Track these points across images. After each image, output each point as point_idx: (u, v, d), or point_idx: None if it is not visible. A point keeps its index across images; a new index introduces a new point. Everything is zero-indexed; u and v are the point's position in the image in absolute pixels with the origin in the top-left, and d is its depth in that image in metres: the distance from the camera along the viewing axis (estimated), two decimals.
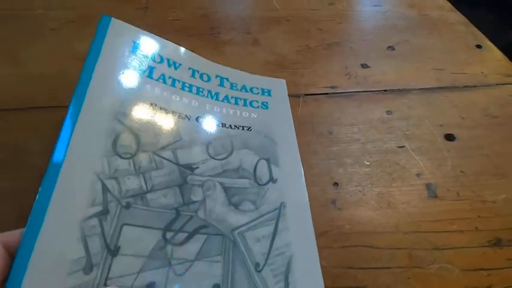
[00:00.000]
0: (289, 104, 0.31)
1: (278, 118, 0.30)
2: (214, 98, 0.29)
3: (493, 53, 0.41)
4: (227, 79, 0.31)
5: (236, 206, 0.23)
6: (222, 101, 0.29)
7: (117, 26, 0.27)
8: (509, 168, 0.28)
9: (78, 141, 0.20)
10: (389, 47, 0.41)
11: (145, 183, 0.22)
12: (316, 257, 0.22)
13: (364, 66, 0.38)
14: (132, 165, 0.22)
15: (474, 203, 0.26)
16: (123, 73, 0.24)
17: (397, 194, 0.26)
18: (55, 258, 0.17)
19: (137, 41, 0.27)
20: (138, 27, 0.29)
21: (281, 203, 0.24)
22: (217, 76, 0.30)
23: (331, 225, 0.24)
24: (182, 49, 0.30)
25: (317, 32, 0.42)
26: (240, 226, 0.22)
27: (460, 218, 0.25)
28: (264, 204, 0.24)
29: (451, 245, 0.23)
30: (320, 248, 0.23)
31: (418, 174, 0.28)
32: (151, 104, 0.24)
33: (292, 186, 0.25)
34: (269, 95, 0.32)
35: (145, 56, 0.27)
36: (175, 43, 0.31)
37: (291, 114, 0.30)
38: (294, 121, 0.30)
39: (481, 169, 0.28)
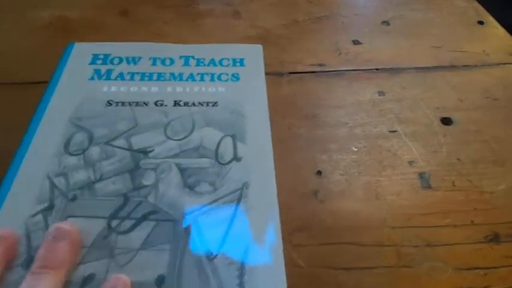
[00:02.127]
0: (263, 73, 0.29)
1: (250, 90, 0.27)
2: (178, 79, 0.28)
3: (496, 29, 0.37)
4: (192, 57, 0.30)
5: (192, 187, 0.21)
6: (186, 80, 0.28)
7: (79, 48, 0.30)
8: (509, 156, 0.26)
9: (36, 147, 0.23)
10: (383, 21, 0.37)
11: (94, 174, 0.22)
12: (280, 248, 0.19)
13: (356, 42, 0.34)
14: (82, 160, 0.22)
15: (470, 193, 0.23)
16: (81, 83, 0.27)
17: (387, 184, 0.24)
18: None
19: (96, 54, 0.29)
20: None
21: (243, 183, 0.21)
22: (181, 57, 0.29)
23: (312, 219, 0.22)
24: (142, 44, 0.30)
25: (306, 4, 0.38)
26: (194, 210, 0.20)
27: (454, 211, 0.22)
28: (224, 185, 0.21)
29: (444, 241, 0.21)
30: (297, 246, 0.20)
31: (410, 162, 0.25)
32: (107, 102, 0.26)
33: (258, 164, 0.23)
34: (241, 64, 0.29)
35: (104, 63, 0.29)
36: (147, 15, 0.33)
37: (265, 84, 0.28)
38: (275, 102, 0.27)
39: (479, 156, 0.26)
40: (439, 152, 0.26)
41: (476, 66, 0.33)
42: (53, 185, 0.21)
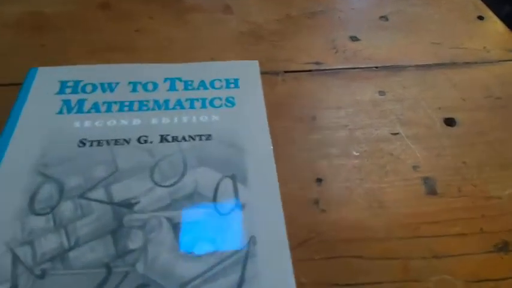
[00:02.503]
0: (262, 95, 0.25)
1: (248, 116, 0.24)
2: (163, 107, 0.24)
3: (495, 25, 0.36)
4: (179, 79, 0.26)
5: (188, 249, 0.18)
6: (174, 108, 0.24)
7: (43, 74, 0.25)
8: None
9: None
10: (382, 17, 0.35)
11: (68, 239, 0.18)
12: (289, 264, 0.17)
13: (354, 39, 0.33)
14: (51, 221, 0.18)
15: (478, 199, 0.22)
16: (47, 120, 0.23)
17: (390, 190, 0.22)
18: None
19: (65, 80, 0.25)
20: None
21: (250, 238, 0.18)
22: (166, 79, 0.25)
23: (313, 232, 0.20)
24: (118, 66, 0.26)
25: None
26: (193, 279, 0.17)
27: (462, 218, 0.21)
28: (227, 243, 0.18)
29: (453, 252, 0.20)
30: (298, 261, 0.18)
31: (414, 167, 0.24)
32: (80, 142, 0.22)
33: (265, 212, 0.19)
34: (236, 86, 0.26)
35: (74, 91, 0.24)
36: (129, 9, 0.28)
37: (264, 107, 0.24)
38: (271, 103, 0.25)
39: (484, 159, 0.24)
40: (443, 155, 0.24)
41: (476, 63, 0.32)
42: (15, 258, 0.17)
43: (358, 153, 0.24)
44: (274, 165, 0.21)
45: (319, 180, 0.22)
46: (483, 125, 0.27)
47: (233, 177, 0.20)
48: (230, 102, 0.24)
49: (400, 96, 0.28)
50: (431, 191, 0.22)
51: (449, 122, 0.27)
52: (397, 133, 0.25)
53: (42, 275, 0.17)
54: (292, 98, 0.27)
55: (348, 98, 0.27)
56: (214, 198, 0.20)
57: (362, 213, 0.21)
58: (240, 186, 0.20)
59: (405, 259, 0.19)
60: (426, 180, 0.23)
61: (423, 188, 0.23)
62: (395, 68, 0.30)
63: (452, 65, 0.31)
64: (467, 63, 0.32)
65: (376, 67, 0.30)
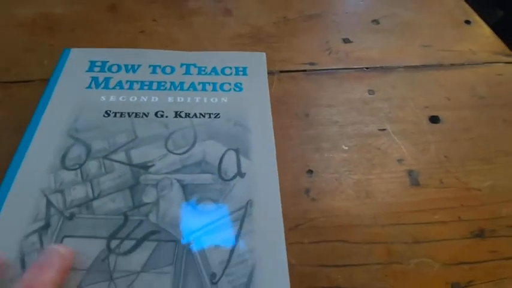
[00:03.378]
0: (267, 83, 0.28)
1: (253, 101, 0.26)
2: (179, 88, 0.27)
3: (482, 29, 0.38)
4: (194, 65, 0.28)
5: (194, 205, 0.21)
6: (188, 89, 0.27)
7: (76, 54, 0.28)
8: (496, 153, 0.26)
9: (30, 161, 0.22)
10: (374, 20, 0.37)
11: (92, 190, 0.21)
12: (285, 266, 0.19)
13: (346, 41, 0.34)
14: (79, 175, 0.21)
15: (458, 191, 0.24)
16: (77, 93, 0.26)
17: (377, 182, 0.24)
18: None
19: (94, 60, 0.28)
20: None
21: (248, 201, 0.21)
22: (182, 65, 0.28)
23: (304, 218, 0.22)
24: (141, 51, 0.29)
25: (296, 1, 0.38)
26: (197, 229, 0.20)
27: (442, 208, 0.23)
28: (228, 203, 0.21)
29: (432, 238, 0.22)
30: (289, 244, 0.20)
31: (399, 160, 0.25)
32: (105, 112, 0.25)
33: (262, 180, 0.22)
34: (244, 73, 0.28)
35: (102, 70, 0.27)
36: (135, 11, 0.32)
37: (268, 94, 0.27)
38: (270, 107, 0.27)
39: (466, 154, 0.26)
40: (428, 150, 0.26)
41: (463, 64, 0.33)
42: (49, 203, 0.20)
43: (347, 148, 0.26)
44: (274, 143, 0.24)
45: (310, 171, 0.24)
46: (466, 123, 0.28)
47: (237, 151, 0.23)
48: (238, 87, 0.27)
49: (389, 95, 0.30)
50: (415, 183, 0.24)
51: (434, 119, 0.28)
52: (385, 129, 0.27)
53: (71, 217, 0.20)
54: (288, 96, 0.29)
55: (340, 96, 0.29)
56: (219, 167, 0.22)
57: (350, 202, 0.23)
58: (242, 158, 0.23)
59: (388, 243, 0.21)
60: (410, 172, 0.25)
61: (407, 179, 0.24)
62: (385, 69, 0.32)
63: (440, 66, 0.33)
64: (454, 65, 0.33)
65: (367, 68, 0.32)
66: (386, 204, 0.23)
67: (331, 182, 0.24)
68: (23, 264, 0.18)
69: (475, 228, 0.22)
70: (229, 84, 0.27)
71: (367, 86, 0.30)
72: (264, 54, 0.30)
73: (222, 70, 0.28)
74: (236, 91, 0.27)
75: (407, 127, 0.27)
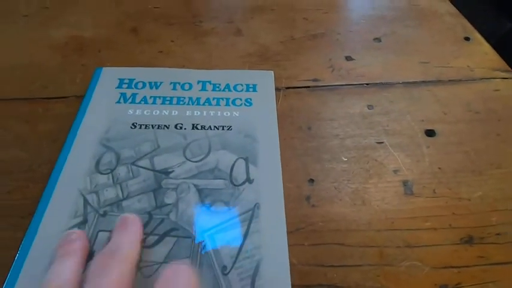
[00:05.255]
0: (274, 99, 0.31)
1: (262, 114, 0.29)
2: (196, 103, 0.30)
3: (481, 46, 0.40)
4: (209, 82, 0.32)
5: (209, 207, 0.23)
6: (203, 104, 0.30)
7: (107, 72, 0.32)
8: (487, 166, 0.28)
9: (69, 166, 0.25)
10: (375, 38, 0.40)
11: (122, 192, 0.24)
12: (287, 262, 0.21)
13: (349, 58, 0.37)
14: (111, 179, 0.25)
15: (450, 200, 0.26)
16: (108, 107, 0.29)
17: (373, 190, 0.26)
18: (42, 266, 0.20)
19: (122, 78, 0.32)
20: (115, 15, 0.37)
21: (255, 204, 0.24)
22: (199, 82, 0.32)
23: (304, 222, 0.24)
24: (163, 69, 0.33)
25: (302, 22, 0.41)
26: (211, 228, 0.22)
27: (434, 216, 0.25)
28: (238, 205, 0.23)
29: (423, 243, 0.23)
30: (291, 246, 0.22)
31: (395, 171, 0.27)
32: (132, 124, 0.28)
33: (268, 186, 0.25)
34: (254, 90, 0.31)
35: (129, 87, 0.31)
36: (154, 33, 0.35)
37: (275, 109, 0.30)
38: (277, 120, 0.30)
39: (459, 166, 0.28)
40: (422, 162, 0.28)
41: (460, 80, 0.35)
42: (86, 202, 0.23)
43: (346, 159, 0.28)
44: (279, 153, 0.27)
45: (311, 180, 0.26)
46: (461, 136, 0.30)
47: (246, 159, 0.26)
48: (248, 102, 0.30)
49: (387, 110, 0.32)
50: (409, 192, 0.26)
51: (430, 133, 0.30)
52: (382, 142, 0.29)
53: (104, 214, 0.23)
54: (292, 111, 0.31)
55: (341, 111, 0.32)
56: (231, 173, 0.25)
57: (347, 209, 0.25)
58: (251, 166, 0.26)
59: (381, 247, 0.23)
60: (405, 182, 0.27)
61: (402, 189, 0.26)
62: (384, 85, 0.34)
63: (438, 82, 0.35)
64: (451, 81, 0.35)
65: (367, 84, 0.34)
66: (381, 211, 0.25)
67: (331, 190, 0.26)
68: None
69: (465, 235, 0.24)
70: (241, 99, 0.30)
71: (367, 101, 0.32)
72: (272, 72, 0.33)
73: (235, 87, 0.31)
74: (247, 106, 0.30)
75: (404, 140, 0.30)
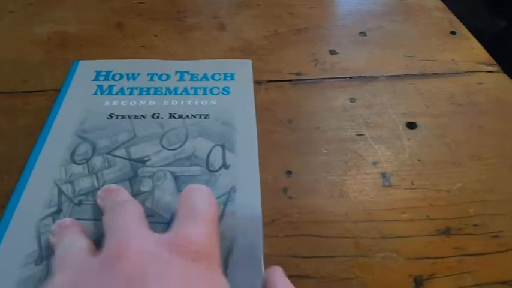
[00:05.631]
0: (252, 86, 0.31)
1: (239, 102, 0.30)
2: (173, 93, 0.30)
3: (467, 40, 0.40)
4: (187, 72, 0.32)
5: None
6: (181, 94, 0.30)
7: (83, 65, 0.32)
8: (468, 158, 0.28)
9: (44, 157, 0.25)
10: (361, 32, 0.39)
11: (97, 181, 0.24)
12: (260, 242, 0.21)
13: (333, 52, 0.37)
14: (86, 169, 0.25)
15: (428, 192, 0.26)
16: (84, 99, 0.29)
17: (351, 182, 0.26)
18: (15, 254, 0.20)
19: (99, 70, 0.32)
20: (101, 10, 0.38)
21: (231, 188, 0.24)
22: (177, 72, 0.32)
23: (280, 214, 0.24)
24: (140, 61, 0.33)
25: (288, 16, 0.41)
26: None
27: (411, 207, 0.25)
28: (214, 191, 0.23)
29: (399, 234, 0.23)
30: (266, 237, 0.22)
31: (374, 163, 0.27)
32: (109, 115, 0.28)
33: (245, 171, 0.25)
34: (232, 79, 0.32)
35: (106, 79, 0.31)
36: (138, 28, 0.36)
37: (253, 96, 0.30)
38: (255, 108, 0.29)
39: (439, 158, 0.28)
40: (402, 154, 0.28)
41: (444, 74, 0.35)
42: (60, 192, 0.23)
43: (326, 151, 0.28)
44: (256, 139, 0.27)
45: (289, 172, 0.26)
46: (442, 129, 0.30)
47: (223, 146, 0.26)
48: (226, 91, 0.30)
49: (369, 103, 0.32)
50: (387, 184, 0.26)
51: (411, 125, 0.30)
52: (362, 134, 0.29)
53: (79, 204, 0.23)
54: (273, 104, 0.31)
55: (322, 104, 0.31)
56: (207, 160, 0.25)
57: (324, 200, 0.25)
58: (227, 152, 0.26)
59: (357, 238, 0.23)
60: (384, 174, 0.27)
61: (380, 181, 0.26)
62: (367, 78, 0.34)
63: (422, 75, 0.35)
64: (435, 74, 0.35)
65: (350, 77, 0.34)
66: (358, 202, 0.25)
67: (309, 182, 0.26)
68: (40, 242, 0.21)
69: (442, 226, 0.24)
70: (218, 88, 0.31)
71: (349, 95, 0.32)
72: (250, 61, 0.33)
73: (212, 76, 0.32)
74: (224, 94, 0.30)
75: (385, 132, 0.29)
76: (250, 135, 0.27)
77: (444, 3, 0.46)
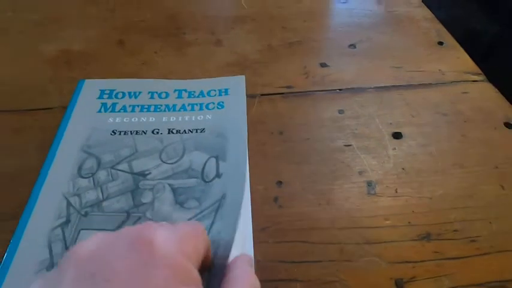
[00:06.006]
0: (245, 100, 0.33)
1: (232, 115, 0.32)
2: (172, 109, 0.32)
3: (454, 50, 0.41)
4: (185, 90, 0.34)
5: (182, 204, 0.25)
6: (179, 110, 0.32)
7: (89, 84, 0.34)
8: (451, 166, 0.29)
9: (54, 172, 0.27)
10: (351, 45, 0.41)
11: (102, 194, 0.26)
12: (251, 244, 0.23)
13: (323, 65, 0.38)
14: (92, 182, 0.27)
15: (410, 199, 0.27)
16: (90, 116, 0.31)
17: (337, 191, 0.28)
18: (28, 261, 0.22)
19: (103, 89, 0.34)
20: (104, 29, 0.40)
21: (222, 195, 0.26)
22: (175, 90, 0.34)
23: (271, 222, 0.26)
24: (141, 80, 0.35)
25: (281, 30, 0.43)
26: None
27: (394, 214, 0.26)
28: (207, 199, 0.26)
29: (382, 240, 0.25)
30: (256, 243, 0.24)
31: (360, 172, 0.29)
32: (112, 131, 0.30)
33: (235, 177, 0.27)
34: (226, 94, 0.34)
35: (110, 97, 0.33)
36: (139, 45, 0.38)
37: (245, 109, 0.33)
38: (248, 121, 0.31)
39: (422, 166, 0.29)
40: (387, 163, 0.30)
41: (431, 84, 0.37)
42: (69, 204, 0.25)
43: (315, 161, 0.30)
44: (247, 149, 0.29)
45: (279, 182, 0.28)
46: (426, 138, 0.32)
47: (216, 157, 0.28)
48: (220, 105, 0.33)
49: (357, 114, 0.33)
50: (372, 192, 0.28)
51: (397, 135, 0.32)
52: (350, 145, 0.31)
53: (86, 215, 0.25)
54: (265, 117, 0.33)
55: (312, 116, 0.33)
56: (202, 171, 0.27)
57: (312, 209, 0.26)
58: (220, 162, 0.28)
59: (342, 244, 0.25)
60: (369, 183, 0.28)
61: (365, 189, 0.28)
62: (356, 90, 0.36)
63: (409, 86, 0.37)
64: (422, 84, 0.37)
65: (340, 89, 0.36)
66: (344, 210, 0.26)
67: (298, 191, 0.28)
68: (51, 250, 0.23)
69: (423, 231, 0.25)
70: (213, 103, 0.33)
71: (338, 106, 0.34)
72: (243, 77, 0.36)
73: (208, 92, 0.34)
74: (219, 109, 0.32)
75: (371, 143, 0.31)
76: (240, 144, 0.29)
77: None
